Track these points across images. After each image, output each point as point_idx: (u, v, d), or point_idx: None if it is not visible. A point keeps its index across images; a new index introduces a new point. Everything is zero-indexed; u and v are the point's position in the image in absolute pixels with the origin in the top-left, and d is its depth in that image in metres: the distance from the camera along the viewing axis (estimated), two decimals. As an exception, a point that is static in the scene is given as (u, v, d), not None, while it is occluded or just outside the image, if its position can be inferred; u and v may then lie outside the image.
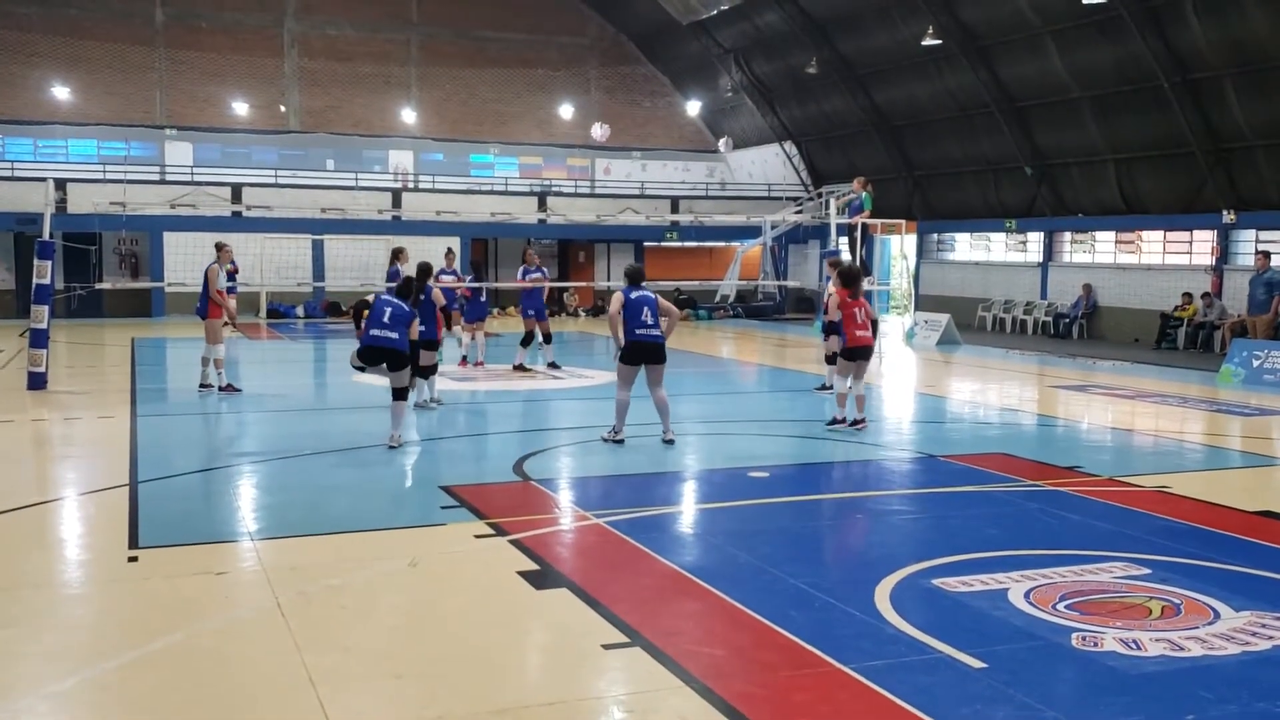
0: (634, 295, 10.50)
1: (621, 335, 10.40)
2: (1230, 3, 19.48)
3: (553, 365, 16.78)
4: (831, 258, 15.93)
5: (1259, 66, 19.79)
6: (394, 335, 10.34)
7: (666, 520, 7.89)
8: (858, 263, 20.85)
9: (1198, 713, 4.57)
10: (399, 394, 10.49)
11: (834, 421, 11.13)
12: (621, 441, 10.46)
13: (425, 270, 12.65)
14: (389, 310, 10.41)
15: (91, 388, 14.99)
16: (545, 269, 17.85)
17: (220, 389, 13.92)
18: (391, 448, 10.23)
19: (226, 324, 14.10)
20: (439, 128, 33.98)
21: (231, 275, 24.69)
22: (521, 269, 17.52)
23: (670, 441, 10.53)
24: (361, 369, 10.65)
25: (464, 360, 16.91)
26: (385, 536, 7.39)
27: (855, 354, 11.24)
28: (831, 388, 14.16)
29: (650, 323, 10.35)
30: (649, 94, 36.26)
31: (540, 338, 16.83)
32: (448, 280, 16.65)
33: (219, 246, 14.61)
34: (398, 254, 17.17)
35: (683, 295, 29.49)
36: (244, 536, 7.31)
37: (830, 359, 14.27)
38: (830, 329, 13.57)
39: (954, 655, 5.12)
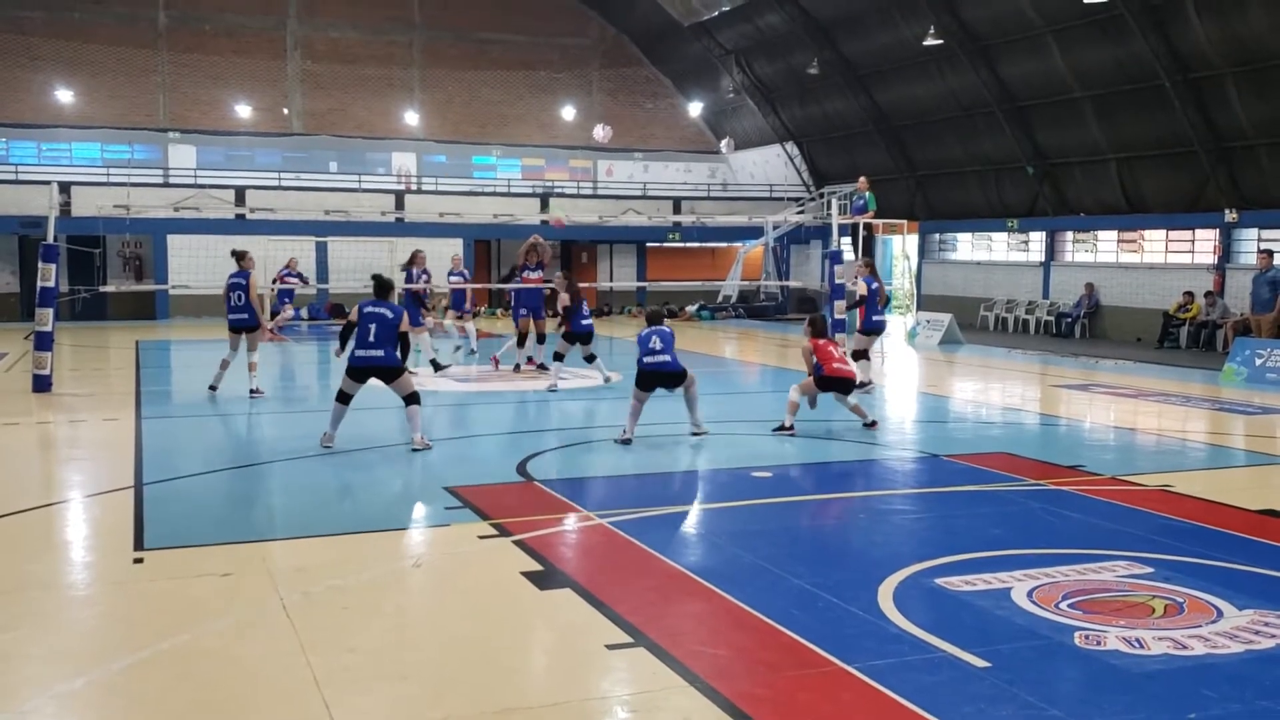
0: (644, 331, 11.16)
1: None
2: (1231, 1, 19.46)
3: (540, 366, 16.63)
4: (868, 261, 16.25)
5: (1260, 65, 19.78)
6: (379, 353, 10.31)
7: (670, 520, 7.90)
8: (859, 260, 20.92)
9: (1201, 711, 4.58)
10: (410, 400, 10.45)
11: (781, 428, 11.32)
12: (629, 441, 10.65)
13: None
14: (374, 326, 10.36)
15: (96, 390, 15.03)
16: (544, 265, 17.23)
17: (252, 391, 13.84)
18: (415, 450, 10.24)
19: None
20: (442, 130, 34.02)
21: (295, 277, 23.95)
22: (522, 268, 17.06)
23: (697, 434, 11.00)
24: (349, 396, 10.48)
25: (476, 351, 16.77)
26: (389, 537, 7.41)
27: (830, 384, 11.61)
28: (870, 383, 14.52)
29: (659, 349, 10.94)
30: (651, 95, 36.28)
31: (534, 337, 16.63)
32: (420, 283, 16.64)
33: (242, 254, 14.41)
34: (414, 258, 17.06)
35: (670, 305, 29.70)
36: (249, 538, 7.32)
37: (856, 355, 14.66)
38: (859, 332, 14.58)
39: (957, 654, 5.13)
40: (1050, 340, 24.19)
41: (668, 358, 10.98)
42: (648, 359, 11.00)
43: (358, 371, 10.42)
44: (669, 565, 6.61)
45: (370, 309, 10.52)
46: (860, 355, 14.69)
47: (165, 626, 5.54)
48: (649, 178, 35.51)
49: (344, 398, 10.48)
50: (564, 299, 14.94)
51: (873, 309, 14.99)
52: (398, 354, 10.44)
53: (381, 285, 10.87)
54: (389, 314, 10.46)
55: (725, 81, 33.56)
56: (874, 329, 15.19)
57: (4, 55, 29.64)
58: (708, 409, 11.56)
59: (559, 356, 14.96)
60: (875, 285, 15.07)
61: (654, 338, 11.05)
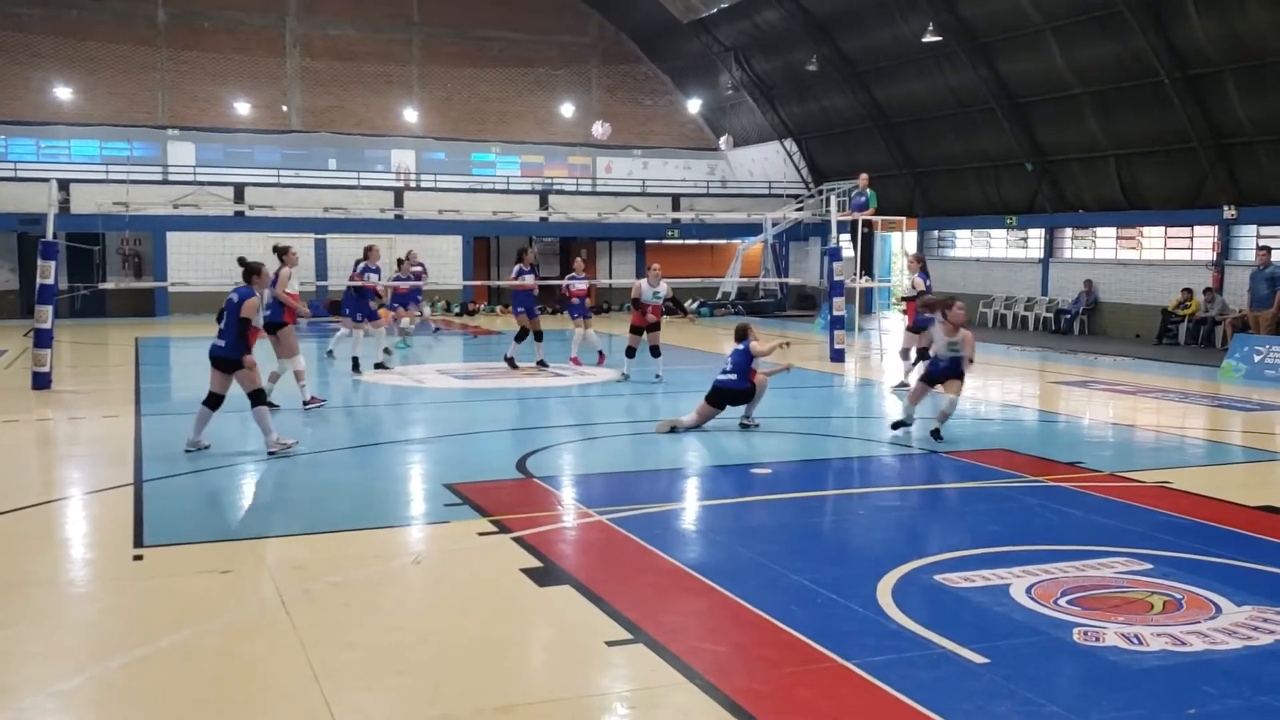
0: (732, 350, 11.61)
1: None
2: (1231, -2, 19.49)
3: (541, 363, 16.66)
4: (920, 256, 16.35)
5: (1259, 61, 19.77)
6: (221, 343, 9.83)
7: (669, 517, 7.91)
8: (858, 259, 20.93)
9: (1199, 707, 4.59)
10: (252, 398, 9.80)
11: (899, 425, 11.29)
12: (673, 430, 11.10)
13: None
14: (225, 313, 9.87)
15: (95, 387, 15.03)
16: (536, 268, 17.86)
17: (305, 403, 12.64)
18: (272, 453, 9.74)
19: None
20: (441, 127, 34.00)
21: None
22: (516, 268, 17.18)
23: (750, 426, 11.34)
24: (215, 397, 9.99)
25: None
26: (389, 534, 7.42)
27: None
28: (907, 385, 14.59)
29: (728, 369, 11.45)
30: (650, 92, 36.27)
31: (532, 335, 16.57)
32: (372, 279, 16.81)
33: (285, 250, 13.30)
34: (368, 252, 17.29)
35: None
36: (248, 535, 7.33)
37: (905, 354, 14.99)
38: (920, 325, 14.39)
39: (956, 651, 5.14)
40: (1049, 337, 24.20)
41: (734, 377, 11.37)
42: (719, 377, 11.48)
43: (211, 361, 9.93)
44: (668, 562, 6.62)
45: (231, 295, 10.01)
46: (924, 355, 14.71)
47: (165, 623, 5.54)
48: (648, 175, 35.50)
49: (210, 399, 9.90)
50: (669, 289, 15.55)
51: None
52: (238, 344, 9.76)
53: (245, 269, 10.20)
54: (235, 298, 9.89)
55: (724, 78, 33.54)
56: (926, 325, 15.17)
57: (2, 52, 29.60)
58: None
59: (631, 352, 15.43)
60: (929, 281, 15.13)
61: (728, 359, 11.56)
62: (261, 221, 27.42)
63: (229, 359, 9.80)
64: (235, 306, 9.82)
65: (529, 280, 16.80)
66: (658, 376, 15.20)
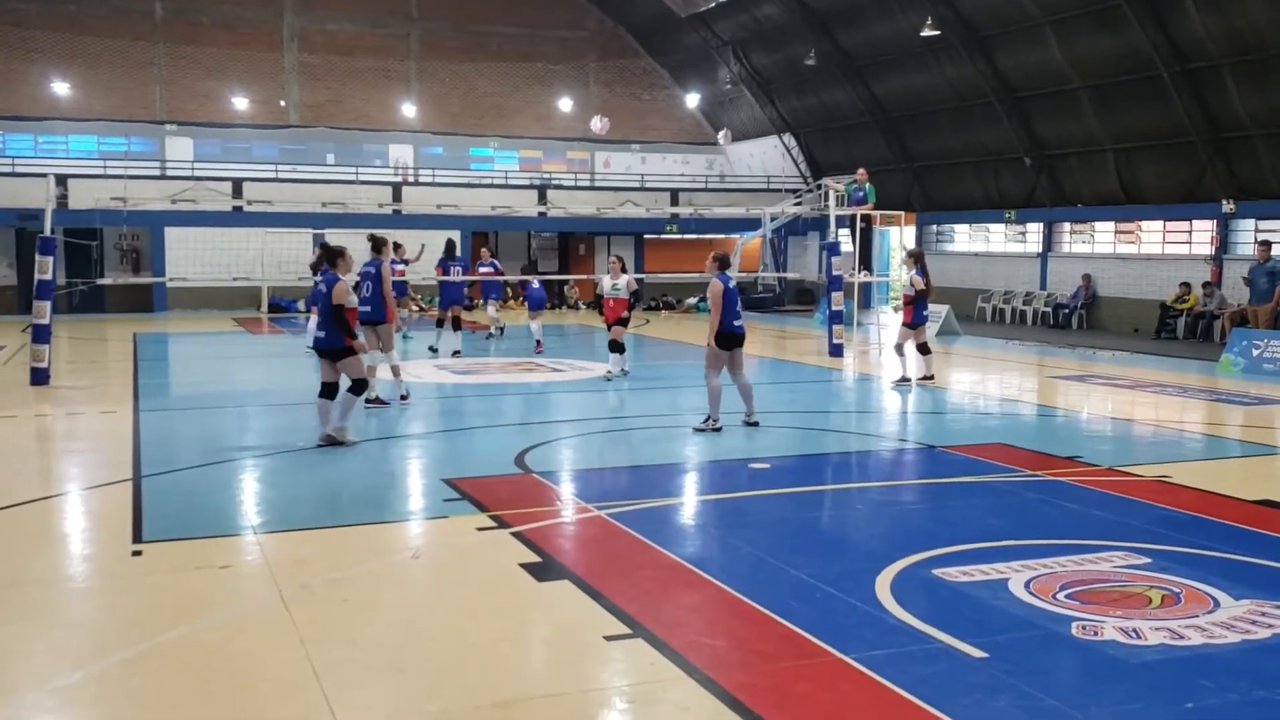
0: (731, 285, 11.01)
1: (718, 322, 10.90)
2: (1229, -8, 19.47)
3: (453, 353, 17.82)
4: (918, 252, 16.30)
5: (1258, 55, 19.76)
6: (321, 334, 9.99)
7: (667, 512, 7.91)
8: (857, 254, 20.91)
9: (1197, 701, 4.60)
10: (353, 387, 10.03)
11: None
12: (719, 430, 10.77)
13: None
14: (319, 301, 9.98)
15: (94, 383, 15.03)
16: (497, 263, 20.23)
17: (402, 397, 12.73)
18: (331, 440, 9.96)
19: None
20: (439, 121, 33.97)
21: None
22: (477, 263, 19.17)
23: (754, 424, 11.06)
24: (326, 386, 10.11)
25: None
26: (388, 529, 7.42)
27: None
28: (908, 380, 14.74)
29: (739, 312, 11.02)
30: (648, 87, 36.24)
31: (450, 323, 18.05)
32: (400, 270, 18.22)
33: (382, 242, 12.72)
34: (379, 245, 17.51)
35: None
36: (247, 530, 7.33)
37: (899, 349, 14.96)
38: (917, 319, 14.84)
39: (955, 645, 5.15)
40: (1047, 331, 24.21)
41: (741, 320, 11.02)
42: (737, 323, 10.95)
43: (318, 352, 10.06)
44: (667, 557, 6.62)
45: (318, 284, 10.08)
46: (923, 349, 14.76)
47: (164, 619, 5.54)
48: (646, 169, 35.47)
49: (325, 390, 10.03)
50: (631, 282, 15.75)
51: (923, 304, 14.96)
52: (337, 332, 9.83)
53: (327, 254, 10.16)
54: (322, 287, 9.96)
55: (722, 73, 33.52)
56: (924, 322, 15.21)
57: (0, 47, 29.56)
58: (704, 403, 11.55)
59: (619, 346, 15.42)
60: (927, 277, 15.09)
61: (737, 299, 10.99)
62: (259, 217, 27.37)
63: (333, 348, 9.90)
64: (325, 295, 9.89)
65: (488, 270, 18.65)
66: (624, 371, 15.30)
